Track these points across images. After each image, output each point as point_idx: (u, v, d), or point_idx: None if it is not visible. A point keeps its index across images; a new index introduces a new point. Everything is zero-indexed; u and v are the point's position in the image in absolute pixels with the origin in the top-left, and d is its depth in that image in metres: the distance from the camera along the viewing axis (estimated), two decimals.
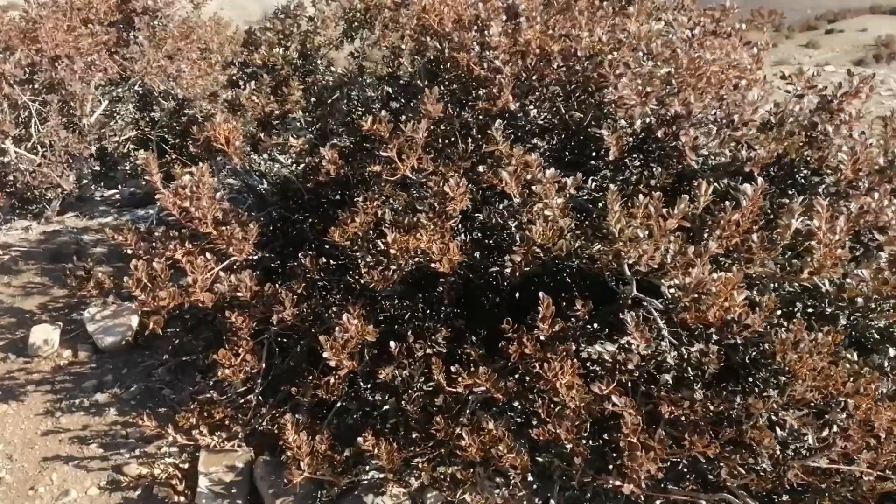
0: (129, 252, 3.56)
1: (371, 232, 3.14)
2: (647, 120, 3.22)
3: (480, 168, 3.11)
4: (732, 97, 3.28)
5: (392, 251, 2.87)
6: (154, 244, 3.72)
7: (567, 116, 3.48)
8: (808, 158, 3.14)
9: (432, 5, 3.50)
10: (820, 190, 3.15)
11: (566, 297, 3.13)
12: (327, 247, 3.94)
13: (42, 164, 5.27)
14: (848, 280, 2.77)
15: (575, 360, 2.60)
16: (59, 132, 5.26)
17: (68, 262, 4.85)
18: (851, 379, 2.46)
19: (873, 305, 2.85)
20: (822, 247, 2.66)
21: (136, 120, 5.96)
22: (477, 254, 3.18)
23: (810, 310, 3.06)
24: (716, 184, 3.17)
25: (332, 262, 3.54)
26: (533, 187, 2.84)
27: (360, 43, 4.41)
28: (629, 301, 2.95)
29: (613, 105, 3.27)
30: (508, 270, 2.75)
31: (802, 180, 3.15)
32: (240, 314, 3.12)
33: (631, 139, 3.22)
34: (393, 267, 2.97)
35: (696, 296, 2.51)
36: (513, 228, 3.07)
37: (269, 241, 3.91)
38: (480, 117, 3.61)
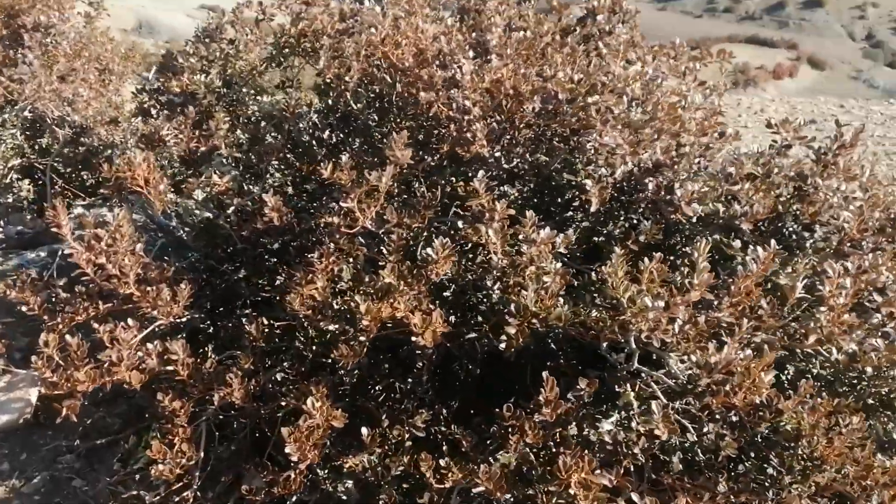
0: (27, 311, 2.99)
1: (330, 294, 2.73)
2: (628, 168, 2.98)
3: (460, 223, 2.76)
4: (718, 145, 3.09)
5: (365, 322, 2.47)
6: (57, 302, 3.17)
7: (539, 162, 3.19)
8: (798, 213, 2.97)
9: (391, 36, 3.14)
10: (807, 245, 3.00)
11: (552, 367, 2.83)
12: (260, 299, 3.49)
13: None
14: (854, 346, 2.60)
15: (588, 453, 2.28)
16: None
17: None
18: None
19: (881, 373, 2.69)
20: (828, 311, 2.49)
21: (20, 146, 5.24)
22: (452, 318, 2.81)
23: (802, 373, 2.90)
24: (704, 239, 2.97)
25: (274, 322, 3.08)
26: (524, 247, 2.52)
27: (293, 72, 3.98)
28: (625, 373, 2.67)
29: (594, 152, 3.01)
30: (503, 346, 2.41)
31: (794, 235, 2.98)
32: (174, 396, 2.62)
33: (610, 189, 2.96)
34: (362, 338, 2.58)
35: (720, 377, 2.25)
36: (495, 290, 2.72)
37: (196, 298, 3.40)
38: (443, 161, 3.27)
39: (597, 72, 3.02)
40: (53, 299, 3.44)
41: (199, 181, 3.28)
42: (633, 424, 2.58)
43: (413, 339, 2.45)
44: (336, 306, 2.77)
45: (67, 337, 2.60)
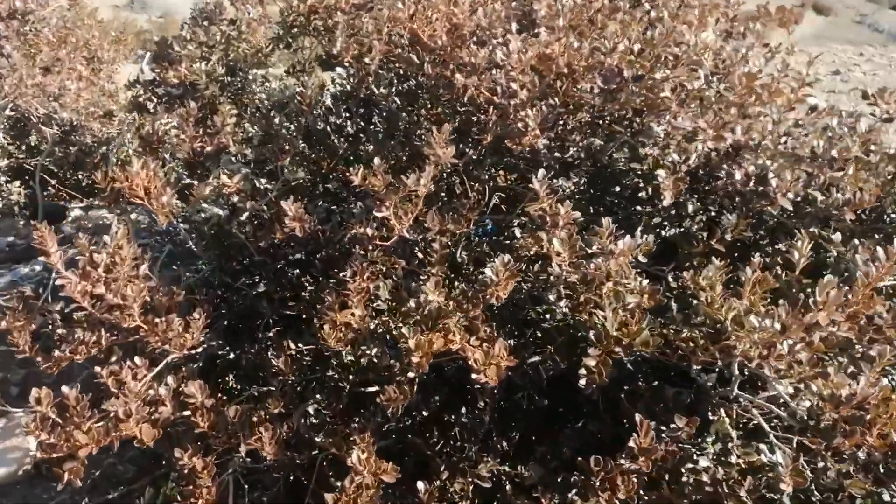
0: (17, 353, 2.62)
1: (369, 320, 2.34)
2: (704, 153, 2.56)
3: (518, 232, 2.36)
4: (809, 121, 2.67)
5: (415, 359, 2.07)
6: (53, 330, 2.81)
7: (595, 149, 2.77)
8: None
9: (421, 11, 2.70)
10: None
11: (629, 390, 2.45)
12: (284, 317, 3.10)
13: None
14: None
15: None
16: None
17: None
18: None
19: None
20: None
21: (6, 146, 4.81)
22: (510, 340, 2.42)
23: None
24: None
25: (302, 347, 2.70)
26: (599, 260, 2.12)
27: (304, 54, 3.54)
28: (718, 398, 2.30)
29: (664, 136, 2.59)
30: (583, 381, 2.01)
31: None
32: (194, 451, 2.24)
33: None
34: (410, 374, 2.19)
35: (851, 412, 1.87)
36: (561, 307, 2.32)
37: (212, 318, 3.00)
38: (482, 151, 2.86)
39: (663, 41, 2.58)
40: (50, 326, 3.08)
41: (206, 185, 2.86)
42: (733, 459, 2.21)
43: (473, 375, 2.05)
44: (375, 331, 2.39)
45: (64, 388, 2.21)
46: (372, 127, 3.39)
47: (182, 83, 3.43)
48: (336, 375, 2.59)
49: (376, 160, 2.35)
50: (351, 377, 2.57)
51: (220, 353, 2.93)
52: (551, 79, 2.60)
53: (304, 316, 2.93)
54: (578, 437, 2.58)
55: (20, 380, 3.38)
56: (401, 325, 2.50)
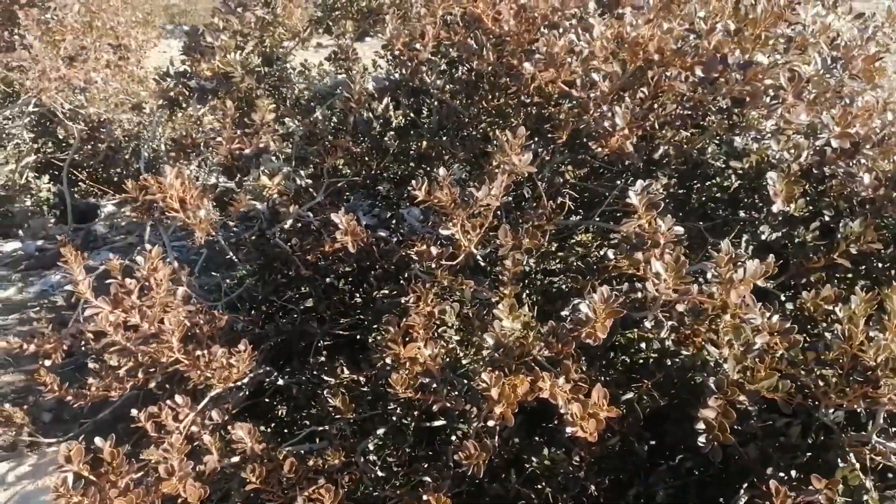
0: (45, 391, 2.39)
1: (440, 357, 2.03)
2: (818, 149, 2.21)
3: (609, 253, 2.03)
4: None
5: (498, 409, 1.77)
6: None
7: (686, 145, 2.42)
8: None
9: None
10: None
11: (739, 431, 2.12)
12: (335, 335, 2.82)
13: None
14: None
15: None
16: None
17: None
18: None
19: None
20: None
21: (33, 141, 4.55)
22: (601, 376, 2.12)
23: None
24: None
25: (358, 377, 2.42)
26: (713, 289, 1.79)
27: (347, 41, 3.21)
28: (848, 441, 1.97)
29: (776, 131, 2.25)
30: (703, 440, 1.70)
31: None
32: None
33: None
34: (491, 423, 1.89)
35: None
36: (661, 336, 2.00)
37: (257, 338, 2.72)
38: (553, 150, 2.53)
39: (766, 18, 2.21)
40: (83, 347, 2.84)
41: (246, 199, 2.58)
42: None
43: (568, 429, 1.75)
44: (446, 365, 2.09)
45: (97, 440, 1.96)
46: (422, 118, 3.07)
47: (216, 75, 3.13)
48: (399, 409, 2.30)
49: (441, 171, 2.03)
50: (415, 412, 2.29)
51: (267, 380, 2.65)
52: (636, 66, 2.25)
53: (358, 337, 2.65)
54: (674, 474, 2.27)
55: (54, 405, 3.15)
56: (473, 357, 2.21)
